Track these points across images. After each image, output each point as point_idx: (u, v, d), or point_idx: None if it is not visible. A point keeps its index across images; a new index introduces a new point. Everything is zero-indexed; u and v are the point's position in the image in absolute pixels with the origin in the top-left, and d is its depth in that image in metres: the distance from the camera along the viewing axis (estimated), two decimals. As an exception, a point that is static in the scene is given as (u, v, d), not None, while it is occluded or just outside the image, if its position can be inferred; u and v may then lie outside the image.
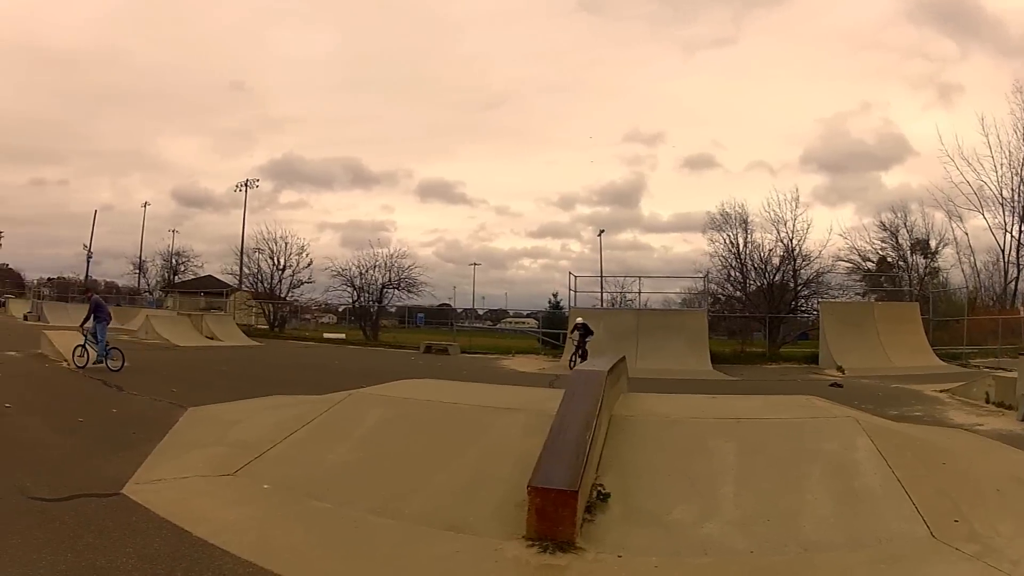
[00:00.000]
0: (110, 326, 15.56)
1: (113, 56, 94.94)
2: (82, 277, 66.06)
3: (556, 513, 4.45)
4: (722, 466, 5.51)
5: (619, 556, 4.27)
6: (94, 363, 14.86)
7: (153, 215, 72.77)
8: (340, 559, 4.52)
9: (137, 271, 64.53)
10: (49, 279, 79.29)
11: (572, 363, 21.17)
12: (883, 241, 38.77)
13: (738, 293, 34.59)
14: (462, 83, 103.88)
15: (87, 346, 15.04)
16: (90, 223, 65.18)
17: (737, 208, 34.52)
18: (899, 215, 38.74)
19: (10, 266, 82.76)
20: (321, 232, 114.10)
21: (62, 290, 62.98)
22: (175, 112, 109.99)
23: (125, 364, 15.03)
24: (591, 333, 22.37)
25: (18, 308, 48.53)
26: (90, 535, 4.70)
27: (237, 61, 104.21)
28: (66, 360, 15.45)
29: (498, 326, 56.36)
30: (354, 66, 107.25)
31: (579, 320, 23.33)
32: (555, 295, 41.83)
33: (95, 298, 16.10)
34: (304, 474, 6.24)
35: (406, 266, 42.33)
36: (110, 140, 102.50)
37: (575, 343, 22.52)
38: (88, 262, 66.50)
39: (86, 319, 15.23)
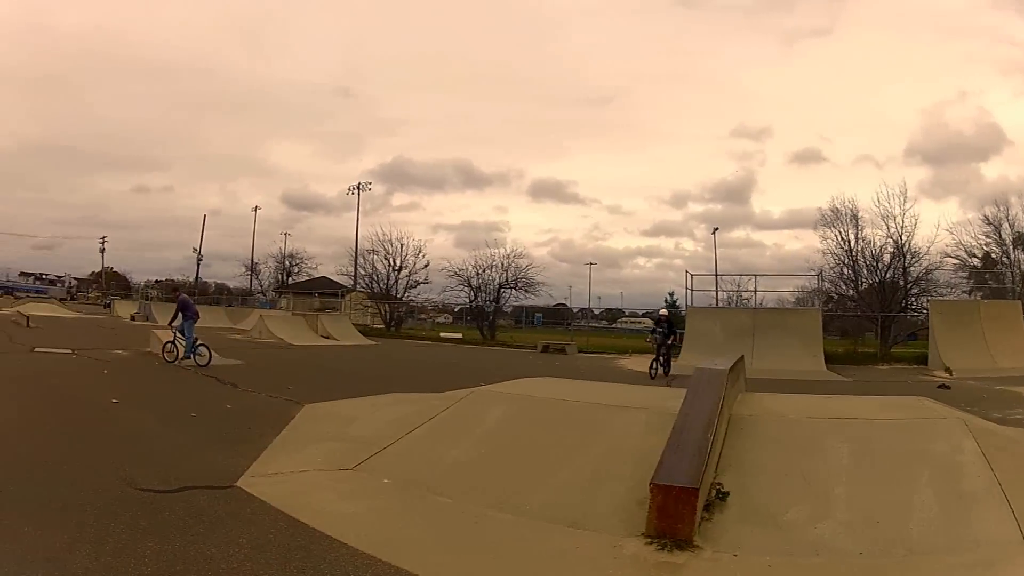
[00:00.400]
0: (196, 323, 16.37)
1: (215, 65, 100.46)
2: (191, 279, 69.93)
3: (676, 511, 4.47)
4: (836, 466, 5.52)
5: (734, 555, 4.27)
6: (182, 358, 15.65)
7: (263, 218, 76.18)
8: (460, 553, 4.56)
9: (249, 273, 67.17)
10: (156, 281, 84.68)
11: (653, 371, 18.45)
12: (987, 236, 36.04)
13: (850, 292, 32.82)
14: (567, 80, 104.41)
15: (176, 343, 15.89)
16: (195, 227, 68.85)
17: (847, 204, 32.67)
18: (1001, 208, 35.96)
19: (114, 269, 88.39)
20: (435, 233, 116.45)
21: (170, 291, 66.98)
22: (281, 118, 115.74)
23: (212, 360, 15.68)
24: (674, 332, 20.41)
25: (125, 309, 50.68)
26: (201, 525, 4.68)
27: (342, 67, 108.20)
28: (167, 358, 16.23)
29: (614, 326, 56.10)
30: (459, 66, 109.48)
31: (662, 312, 21.26)
32: (671, 294, 40.77)
33: (182, 297, 17.21)
34: (425, 470, 6.26)
35: (523, 266, 42.26)
36: (216, 147, 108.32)
37: (656, 344, 19.08)
38: (198, 264, 69.95)
39: (174, 317, 16.14)
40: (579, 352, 29.28)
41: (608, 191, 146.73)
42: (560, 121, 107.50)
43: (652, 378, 16.62)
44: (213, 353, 15.79)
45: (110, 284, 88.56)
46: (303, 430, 8.14)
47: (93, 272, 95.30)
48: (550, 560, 4.34)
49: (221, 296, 67.31)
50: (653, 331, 19.65)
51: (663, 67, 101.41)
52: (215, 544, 4.28)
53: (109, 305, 59.99)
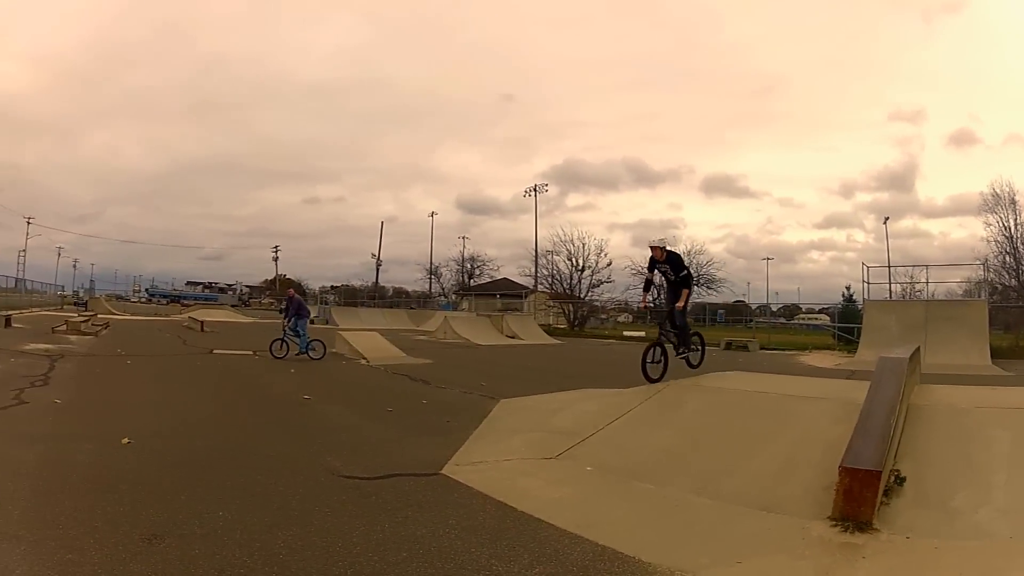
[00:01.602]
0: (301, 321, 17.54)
1: (379, 80, 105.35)
2: (369, 283, 74.22)
3: (861, 494, 4.68)
4: (998, 454, 5.57)
5: (907, 538, 4.46)
6: (296, 355, 16.88)
7: (439, 223, 79.06)
8: (660, 532, 4.77)
9: (429, 276, 70.28)
10: (332, 287, 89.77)
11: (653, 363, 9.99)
12: None
13: (1012, 281, 29.30)
14: (730, 72, 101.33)
15: (286, 340, 17.15)
16: (368, 234, 72.73)
17: (1004, 187, 29.31)
18: None
19: (287, 276, 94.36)
20: (611, 232, 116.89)
21: (349, 296, 70.98)
22: (448, 127, 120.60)
23: (326, 354, 17.20)
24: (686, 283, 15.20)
25: None
26: (409, 509, 4.90)
27: (505, 74, 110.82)
28: (364, 358, 17.10)
29: (792, 322, 54.93)
30: (619, 67, 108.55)
31: (653, 243, 10.16)
32: (848, 288, 38.64)
33: (295, 298, 18.29)
34: (625, 457, 6.50)
35: (703, 263, 41.15)
36: (385, 157, 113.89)
37: (652, 308, 11.84)
38: (377, 269, 73.57)
39: (287, 316, 17.49)
40: (760, 349, 29.05)
41: (778, 183, 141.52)
42: (724, 114, 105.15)
43: (650, 378, 9.10)
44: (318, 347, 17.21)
45: (287, 290, 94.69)
46: (502, 422, 8.42)
47: (266, 280, 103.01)
48: (743, 539, 4.57)
49: (400, 299, 71.04)
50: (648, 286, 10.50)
51: (817, 54, 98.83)
52: (424, 525, 4.45)
53: (285, 310, 64.47)
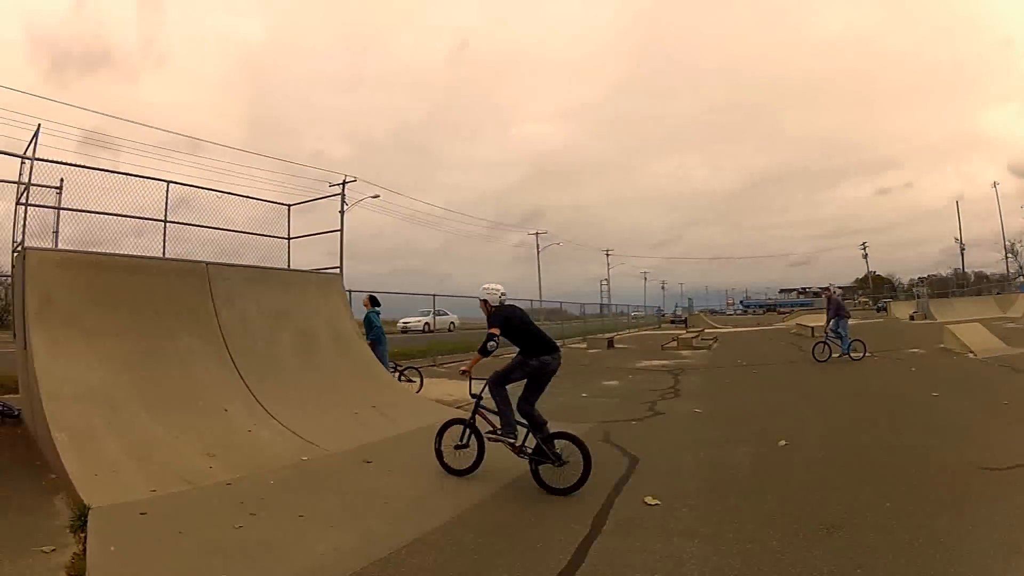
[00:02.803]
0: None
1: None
2: (954, 270, 67.31)
3: None
4: None
5: None
6: (838, 356, 17.04)
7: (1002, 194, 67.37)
8: None
9: (1005, 256, 62.23)
10: (920, 279, 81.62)
11: None
12: None
13: None
14: None
15: (828, 343, 17.44)
16: (941, 218, 65.65)
17: None
18: None
19: (876, 272, 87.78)
20: None
21: (939, 286, 65.24)
22: None
23: (866, 354, 17.00)
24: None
25: (901, 310, 50.77)
26: None
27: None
28: (972, 352, 16.41)
29: None
30: None
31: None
32: None
33: (834, 298, 17.81)
34: None
35: None
36: (938, 132, 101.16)
37: None
38: (962, 255, 67.04)
39: (830, 318, 17.53)
40: None
41: None
42: None
43: None
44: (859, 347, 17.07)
45: (881, 288, 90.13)
46: None
47: (856, 279, 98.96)
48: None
49: (981, 284, 64.06)
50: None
51: None
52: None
53: (883, 308, 61.38)
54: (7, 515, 5.30)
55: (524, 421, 6.39)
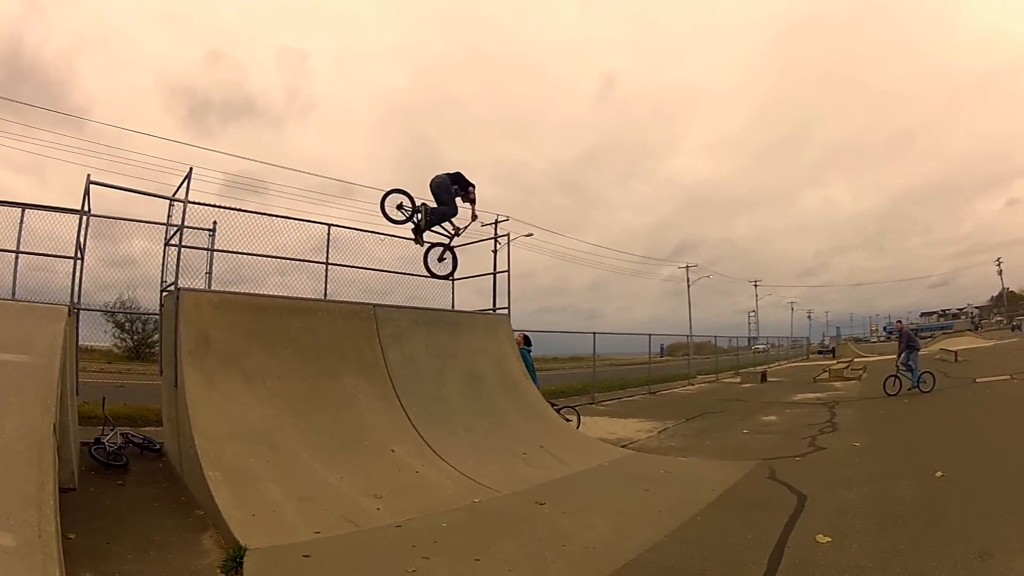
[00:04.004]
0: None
1: None
2: None
3: None
4: None
5: None
6: (908, 389, 17.29)
7: None
8: None
9: None
10: None
11: None
12: None
13: None
14: None
15: (899, 376, 17.60)
16: None
17: None
18: None
19: (1011, 289, 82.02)
20: None
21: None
22: None
23: (935, 386, 17.24)
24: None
25: None
26: None
27: None
28: None
29: None
30: None
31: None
32: None
33: (906, 331, 18.47)
34: None
35: None
36: None
37: None
38: None
39: (901, 351, 17.86)
40: None
41: None
42: None
43: None
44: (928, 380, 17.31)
45: (1011, 304, 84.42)
46: None
47: (992, 297, 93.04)
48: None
49: None
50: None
51: None
52: None
53: (1018, 327, 57.59)
54: (148, 552, 5.29)
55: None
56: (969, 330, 71.06)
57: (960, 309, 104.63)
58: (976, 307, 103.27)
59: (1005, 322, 78.80)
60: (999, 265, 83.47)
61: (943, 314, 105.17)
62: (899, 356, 18.03)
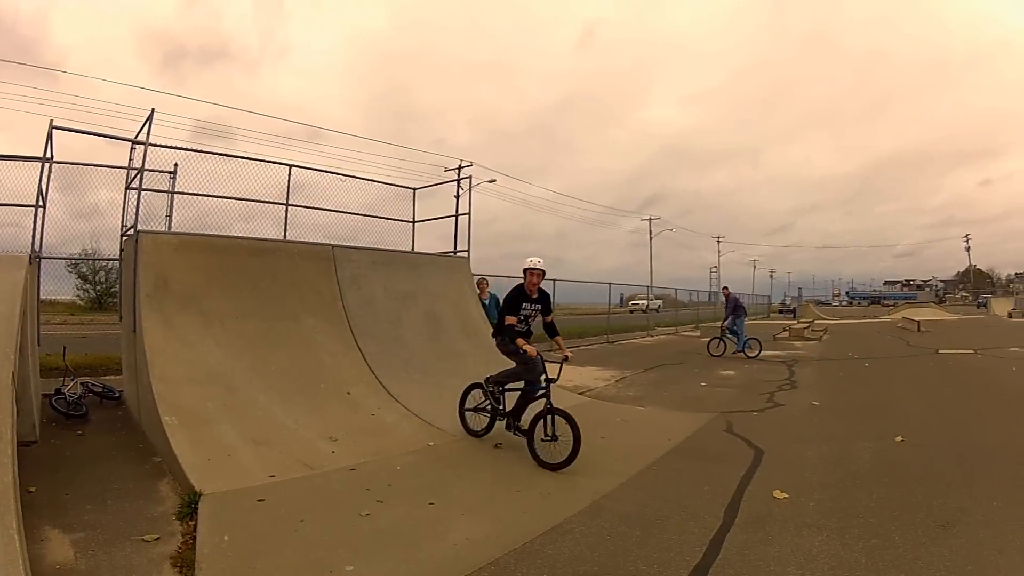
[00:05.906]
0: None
1: None
2: None
3: None
4: None
5: None
6: (732, 353, 18.47)
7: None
8: None
9: None
10: (1017, 274, 77.56)
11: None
12: None
13: None
14: None
15: (724, 339, 18.98)
16: None
17: None
18: None
19: (977, 266, 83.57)
20: None
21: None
22: None
23: (761, 352, 18.32)
24: None
25: (1001, 306, 49.94)
26: None
27: None
28: None
29: None
30: None
31: None
32: None
33: (732, 297, 19.60)
34: None
35: None
36: None
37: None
38: None
39: (727, 316, 19.01)
40: None
41: None
42: None
43: None
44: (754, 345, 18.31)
45: (982, 282, 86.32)
46: None
47: (958, 272, 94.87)
48: None
49: None
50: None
51: None
52: None
53: (984, 304, 59.03)
54: (106, 501, 5.20)
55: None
56: (933, 302, 72.35)
57: (925, 281, 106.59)
58: (942, 280, 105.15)
59: (971, 299, 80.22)
60: (967, 241, 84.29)
61: (907, 284, 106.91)
62: (724, 320, 19.23)
